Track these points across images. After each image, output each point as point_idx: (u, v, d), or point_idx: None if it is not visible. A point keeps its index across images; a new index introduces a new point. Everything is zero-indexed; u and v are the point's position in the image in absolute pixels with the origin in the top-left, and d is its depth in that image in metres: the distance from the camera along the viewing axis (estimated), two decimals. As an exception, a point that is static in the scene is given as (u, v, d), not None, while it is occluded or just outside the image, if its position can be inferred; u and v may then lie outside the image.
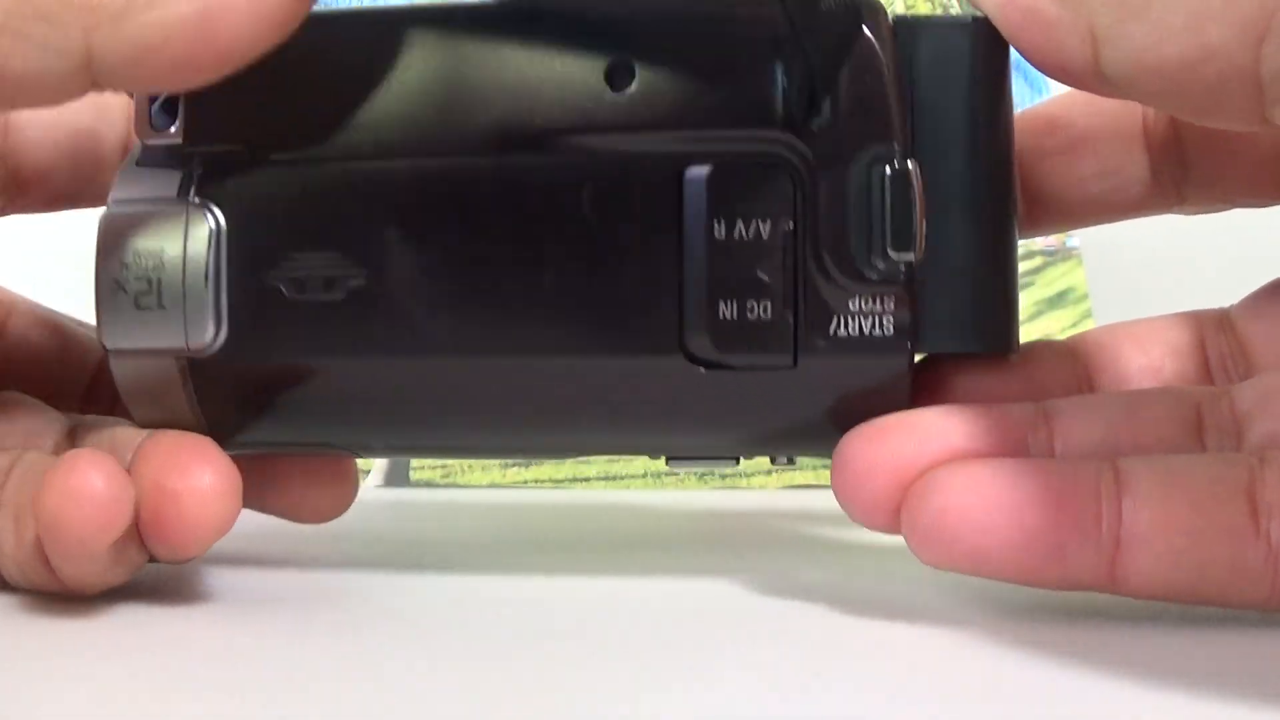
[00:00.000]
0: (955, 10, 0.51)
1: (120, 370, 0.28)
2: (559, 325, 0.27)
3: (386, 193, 0.28)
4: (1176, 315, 0.30)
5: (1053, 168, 0.30)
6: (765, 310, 0.27)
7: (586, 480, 0.46)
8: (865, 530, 0.27)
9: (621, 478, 0.46)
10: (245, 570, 0.31)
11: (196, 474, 0.27)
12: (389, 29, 0.28)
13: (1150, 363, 0.30)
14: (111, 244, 0.28)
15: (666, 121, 0.27)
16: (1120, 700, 0.22)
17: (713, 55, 0.27)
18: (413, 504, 0.44)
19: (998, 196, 0.28)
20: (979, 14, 0.27)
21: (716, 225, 0.27)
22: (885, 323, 0.27)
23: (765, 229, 0.27)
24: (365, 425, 0.29)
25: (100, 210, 0.28)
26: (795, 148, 0.27)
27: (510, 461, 0.46)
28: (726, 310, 0.27)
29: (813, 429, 0.28)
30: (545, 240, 0.27)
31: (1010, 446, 0.27)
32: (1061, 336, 0.31)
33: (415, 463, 0.47)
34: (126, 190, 0.28)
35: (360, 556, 0.34)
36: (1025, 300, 0.47)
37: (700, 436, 0.29)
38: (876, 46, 0.27)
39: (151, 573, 0.29)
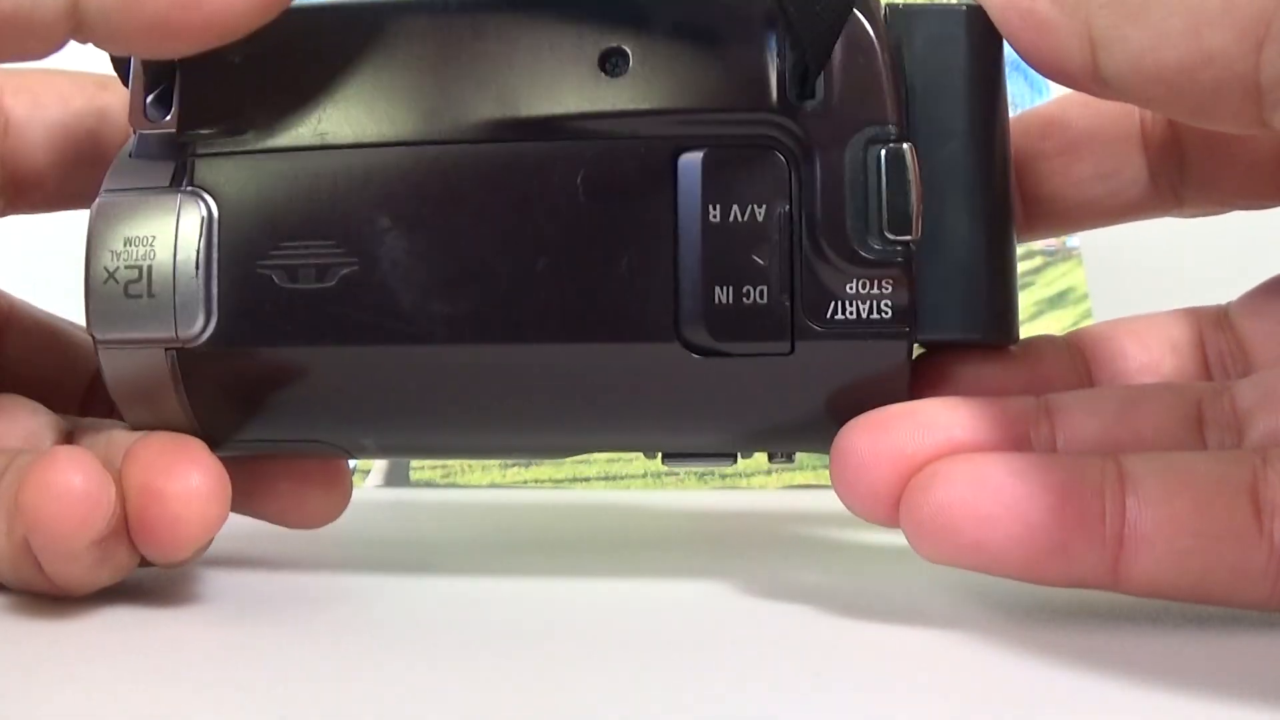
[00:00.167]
0: None
1: (109, 362, 0.28)
2: (553, 312, 0.27)
3: (379, 180, 0.27)
4: (1176, 311, 0.30)
5: (1051, 169, 0.30)
6: (761, 295, 0.27)
7: (586, 480, 0.46)
8: (865, 531, 0.27)
9: (621, 478, 0.46)
10: (244, 571, 0.31)
11: (184, 475, 0.27)
12: (381, 16, 0.28)
13: (1150, 359, 0.30)
14: (102, 232, 0.28)
15: (660, 106, 0.27)
16: (1120, 700, 0.22)
17: (707, 38, 0.27)
18: (413, 504, 0.44)
19: (994, 184, 0.28)
20: (973, 1, 0.27)
21: (711, 209, 0.27)
22: (883, 306, 0.27)
23: (760, 213, 0.27)
24: (357, 417, 0.29)
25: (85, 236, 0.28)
26: (790, 130, 0.27)
27: (510, 461, 0.46)
28: (722, 296, 0.27)
29: (811, 419, 0.28)
30: (539, 227, 0.27)
31: (1012, 440, 0.27)
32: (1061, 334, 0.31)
33: (415, 463, 0.47)
34: (119, 180, 0.28)
35: (360, 557, 0.34)
36: (1025, 300, 0.47)
37: (696, 427, 0.28)
38: (870, 28, 0.27)
39: (150, 574, 0.29)
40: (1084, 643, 0.25)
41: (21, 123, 0.31)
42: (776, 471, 0.45)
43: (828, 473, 0.27)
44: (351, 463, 0.32)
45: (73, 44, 0.28)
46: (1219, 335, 0.30)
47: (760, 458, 0.31)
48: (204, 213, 0.28)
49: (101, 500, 0.26)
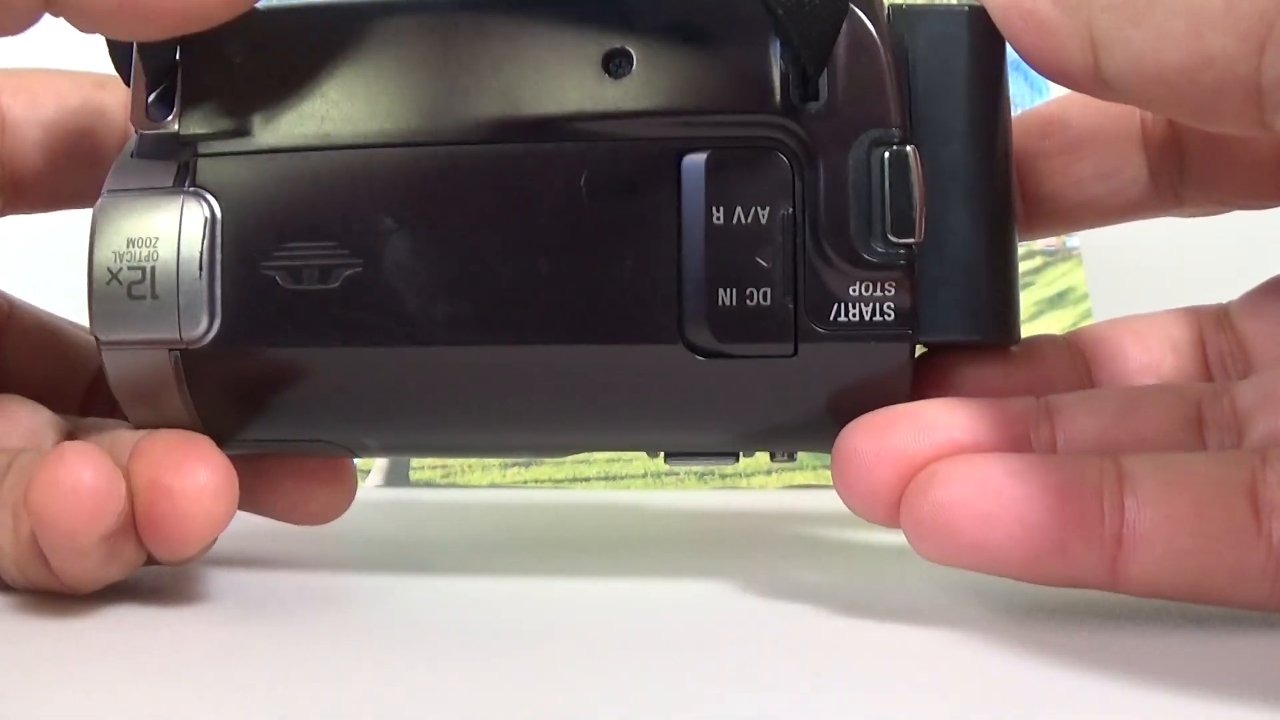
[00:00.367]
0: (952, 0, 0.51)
1: (112, 363, 0.28)
2: (557, 314, 0.27)
3: (384, 181, 0.27)
4: (1176, 311, 0.30)
5: (1051, 169, 0.30)
6: (765, 297, 0.27)
7: (586, 480, 0.46)
8: (866, 530, 0.27)
9: (621, 478, 0.46)
10: (244, 571, 0.31)
11: (192, 471, 0.27)
12: (384, 16, 0.28)
13: (1150, 359, 0.30)
14: (105, 233, 0.28)
15: (664, 107, 0.27)
16: (1120, 700, 0.22)
17: (710, 40, 0.27)
18: (413, 504, 0.44)
19: (996, 185, 0.28)
20: (975, 3, 0.27)
21: (715, 211, 0.27)
22: (886, 308, 0.27)
23: (764, 215, 0.27)
24: (361, 418, 0.29)
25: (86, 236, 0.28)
26: (794, 132, 0.27)
27: (510, 461, 0.46)
28: (726, 298, 0.27)
29: (813, 420, 0.28)
30: (543, 228, 0.27)
31: (1012, 441, 0.27)
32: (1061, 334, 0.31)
33: (415, 463, 0.47)
34: (121, 181, 0.28)
35: (360, 557, 0.34)
36: (1025, 300, 0.47)
37: (699, 427, 0.28)
38: (873, 30, 0.27)
39: (151, 573, 0.29)
40: (1084, 642, 0.25)
41: (19, 122, 0.31)
42: (776, 471, 0.45)
43: (828, 472, 0.27)
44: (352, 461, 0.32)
45: (71, 43, 0.28)
46: (1219, 335, 0.30)
47: (761, 457, 0.31)
48: (207, 213, 0.28)
49: (112, 496, 0.26)
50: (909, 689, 0.23)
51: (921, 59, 0.28)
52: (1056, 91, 0.29)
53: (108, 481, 0.26)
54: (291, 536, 0.32)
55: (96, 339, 0.28)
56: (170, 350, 0.28)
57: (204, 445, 0.27)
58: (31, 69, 0.32)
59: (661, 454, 0.30)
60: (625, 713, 0.22)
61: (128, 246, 0.28)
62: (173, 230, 0.28)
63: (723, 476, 0.45)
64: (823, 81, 0.27)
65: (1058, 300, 0.51)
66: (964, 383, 0.29)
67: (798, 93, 0.27)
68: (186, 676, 0.24)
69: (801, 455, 0.30)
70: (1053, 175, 0.30)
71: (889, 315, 0.27)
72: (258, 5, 0.27)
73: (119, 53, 0.29)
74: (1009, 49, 0.27)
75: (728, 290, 0.27)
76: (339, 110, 0.28)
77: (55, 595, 0.28)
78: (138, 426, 0.29)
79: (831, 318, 0.27)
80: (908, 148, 0.27)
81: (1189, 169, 0.30)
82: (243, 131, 0.28)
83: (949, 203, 0.28)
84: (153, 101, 0.28)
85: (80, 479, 0.25)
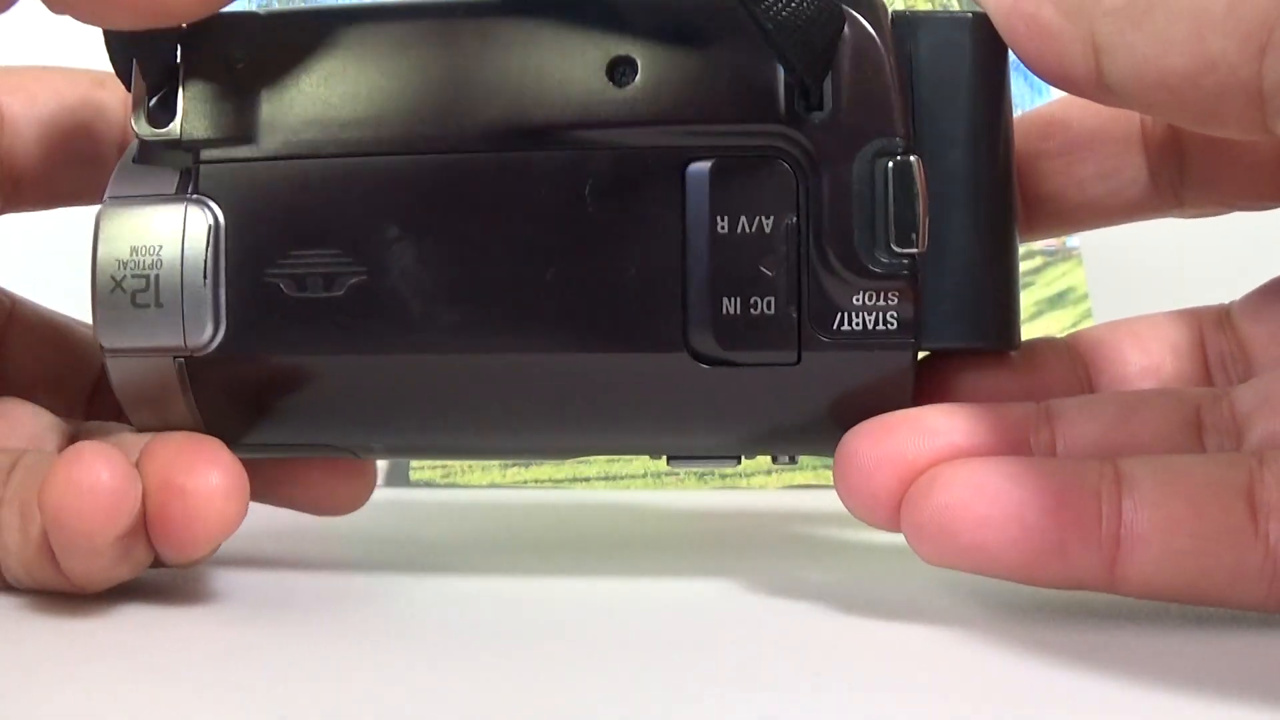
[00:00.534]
0: (954, 5, 0.51)
1: (117, 370, 0.28)
2: (562, 322, 0.27)
3: (388, 189, 0.27)
4: (1176, 312, 0.30)
5: (1051, 170, 0.30)
6: (769, 306, 0.27)
7: (586, 480, 0.46)
8: (866, 530, 0.27)
9: (621, 478, 0.46)
10: (244, 571, 0.31)
11: (204, 472, 0.27)
12: (390, 24, 0.28)
13: (1150, 362, 0.30)
14: (108, 241, 0.28)
15: (669, 116, 0.27)
16: (1120, 700, 0.22)
17: (715, 49, 0.27)
18: (413, 504, 0.44)
19: (998, 192, 0.28)
20: (978, 10, 0.27)
21: (719, 220, 0.27)
22: (889, 317, 0.27)
23: (768, 224, 0.27)
24: (366, 425, 0.29)
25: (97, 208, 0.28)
26: (798, 142, 0.27)
27: (510, 461, 0.46)
28: (730, 306, 0.27)
29: (816, 426, 0.28)
30: (547, 236, 0.27)
31: (1012, 445, 0.27)
32: (1062, 336, 0.31)
33: (415, 463, 0.47)
34: (123, 187, 0.28)
35: (360, 556, 0.34)
36: (1025, 300, 0.47)
37: (703, 433, 0.29)
38: (877, 40, 0.27)
39: (152, 573, 0.29)
40: (1084, 642, 0.25)
41: (17, 121, 0.31)
42: (777, 472, 0.45)
43: (828, 472, 0.27)
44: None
45: (71, 41, 0.28)
46: (1220, 337, 0.30)
47: (762, 458, 0.31)
48: (210, 221, 0.28)
49: (129, 496, 0.26)
50: (909, 689, 0.23)
51: (923, 65, 0.28)
52: (1057, 92, 0.29)
53: (125, 481, 0.26)
54: (291, 536, 0.32)
55: (100, 347, 0.28)
56: (175, 358, 0.28)
57: (215, 447, 0.27)
58: (30, 67, 0.32)
59: (664, 456, 0.30)
60: (625, 713, 0.22)
61: (131, 254, 0.28)
62: (176, 238, 0.27)
63: (723, 477, 0.45)
64: (827, 90, 0.27)
65: (1058, 300, 0.51)
66: (964, 388, 0.29)
67: (802, 102, 0.27)
68: (187, 676, 0.24)
69: (802, 456, 0.30)
70: (1053, 176, 0.31)
71: (892, 324, 0.27)
72: (259, 11, 0.27)
73: (119, 56, 0.28)
74: (1011, 56, 0.27)
75: (732, 299, 0.27)
76: (343, 118, 0.28)
77: (56, 595, 0.27)
78: (141, 430, 0.29)
79: (835, 326, 0.27)
80: (912, 157, 0.27)
81: (1189, 170, 0.30)
82: (246, 138, 0.28)
83: (951, 209, 0.28)
84: (153, 106, 0.28)
85: (98, 479, 0.25)
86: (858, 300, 0.27)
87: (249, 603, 0.29)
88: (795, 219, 0.27)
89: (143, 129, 0.28)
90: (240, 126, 0.28)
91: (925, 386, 0.28)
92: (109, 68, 0.29)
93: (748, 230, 0.27)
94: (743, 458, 0.30)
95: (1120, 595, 0.25)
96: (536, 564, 0.33)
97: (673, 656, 0.25)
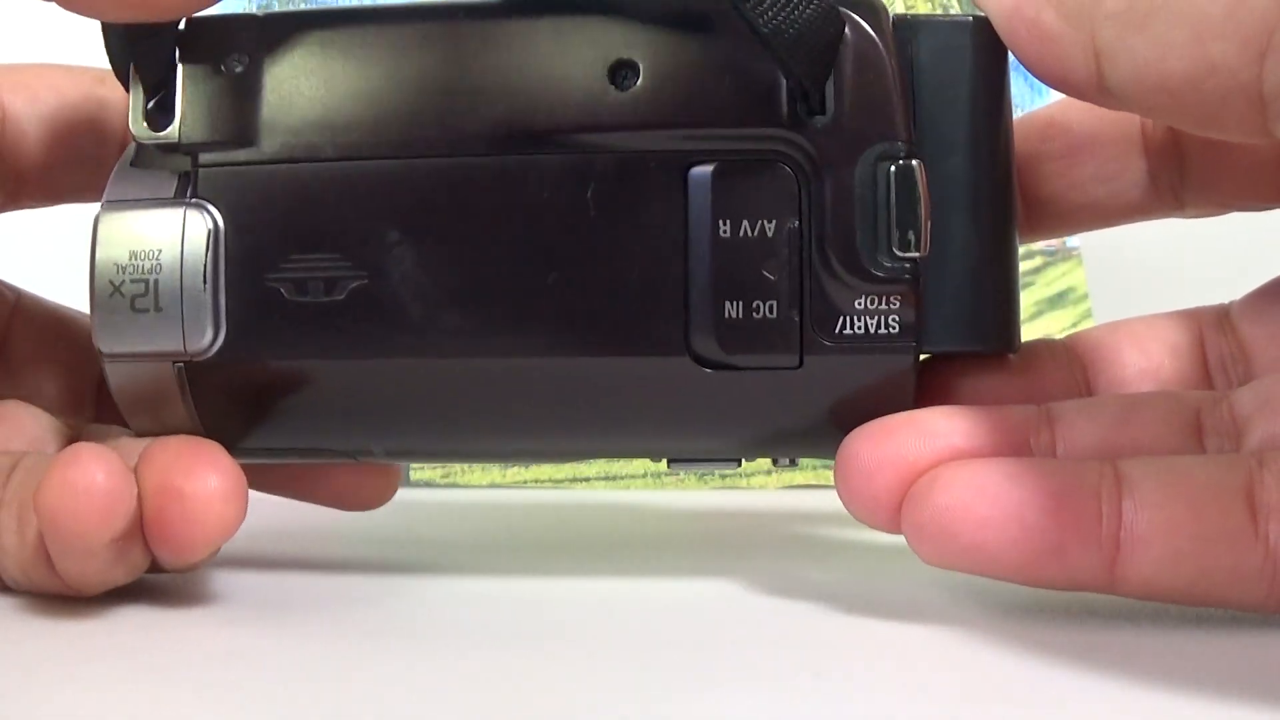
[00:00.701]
0: (955, 9, 0.51)
1: (116, 375, 0.28)
2: (564, 326, 0.27)
3: (389, 192, 0.27)
4: (1176, 314, 0.30)
5: (1052, 172, 0.30)
6: (771, 310, 0.27)
7: (586, 480, 0.46)
8: (865, 530, 0.27)
9: (621, 478, 0.46)
10: (244, 571, 0.31)
11: (203, 476, 0.27)
12: (390, 27, 0.28)
13: (1149, 364, 0.30)
14: (106, 246, 0.28)
15: (671, 119, 0.27)
16: (1120, 700, 0.22)
17: (717, 53, 0.27)
18: (413, 504, 0.44)
19: (998, 195, 0.28)
20: (979, 13, 0.27)
21: (721, 224, 0.27)
22: (891, 321, 0.27)
23: (770, 228, 0.27)
24: (368, 429, 0.29)
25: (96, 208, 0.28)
26: (800, 146, 0.27)
27: (511, 463, 0.46)
28: (732, 310, 0.27)
29: (817, 429, 0.28)
30: (549, 240, 0.27)
31: (1013, 447, 0.27)
32: (1061, 337, 0.31)
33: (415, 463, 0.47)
34: (121, 191, 0.28)
35: (360, 556, 0.34)
36: (1025, 300, 0.47)
37: (704, 437, 0.29)
38: (878, 44, 0.27)
39: (150, 574, 0.29)
40: (1084, 641, 0.25)
41: (19, 118, 0.31)
42: (776, 471, 0.45)
43: (827, 472, 0.27)
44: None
45: (72, 39, 0.28)
46: (1220, 337, 0.30)
47: (762, 458, 0.31)
48: (210, 225, 0.27)
49: (124, 497, 0.26)
50: (909, 688, 0.23)
51: (924, 69, 0.28)
52: (1057, 94, 0.29)
53: (120, 483, 0.26)
54: (291, 536, 0.32)
55: (99, 352, 0.28)
56: (175, 363, 0.28)
57: (214, 450, 0.27)
58: (31, 64, 0.32)
59: (664, 459, 0.30)
60: (625, 713, 0.22)
61: (130, 259, 0.27)
62: (175, 242, 0.27)
63: (722, 477, 0.45)
64: (829, 94, 0.27)
65: (1058, 300, 0.51)
66: (964, 391, 0.29)
67: (804, 106, 0.27)
68: (186, 677, 0.24)
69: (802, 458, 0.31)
70: (1053, 178, 0.31)
71: (894, 328, 0.27)
72: (257, 13, 0.27)
73: (118, 58, 0.28)
74: (1011, 60, 0.27)
75: (734, 302, 0.27)
76: (342, 122, 0.27)
77: (55, 596, 0.27)
78: (139, 435, 0.29)
79: (837, 330, 0.27)
80: (914, 162, 0.27)
81: (1189, 172, 0.30)
82: (245, 141, 0.28)
83: (951, 213, 0.28)
84: (151, 109, 0.28)
85: (93, 480, 0.25)
86: (859, 304, 0.27)
87: (248, 603, 0.29)
88: (797, 223, 0.27)
89: (141, 132, 0.28)
90: (239, 130, 0.28)
91: (925, 389, 0.28)
92: (107, 63, 0.29)
93: (750, 234, 0.27)
94: (743, 460, 0.30)
95: (1120, 596, 0.25)
96: (536, 564, 0.33)
97: (673, 656, 0.25)
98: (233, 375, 0.28)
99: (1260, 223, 0.33)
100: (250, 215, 0.28)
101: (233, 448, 0.28)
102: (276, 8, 0.29)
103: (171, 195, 0.28)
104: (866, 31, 0.27)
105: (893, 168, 0.27)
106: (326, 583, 0.31)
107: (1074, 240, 0.52)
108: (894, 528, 0.26)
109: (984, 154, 0.28)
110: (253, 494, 0.28)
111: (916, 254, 0.27)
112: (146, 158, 0.28)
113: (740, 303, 0.27)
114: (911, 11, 0.29)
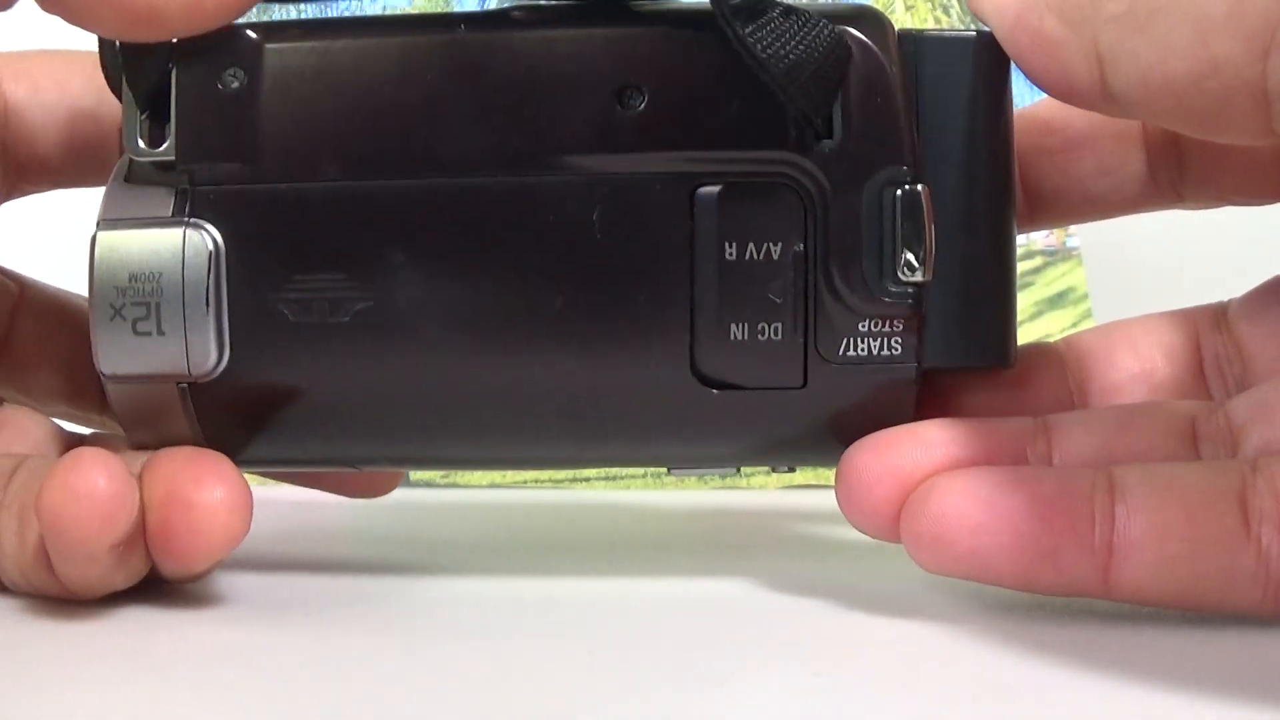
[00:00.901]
0: (955, 8, 0.51)
1: (118, 396, 0.28)
2: (569, 347, 0.27)
3: (394, 213, 0.27)
4: (1172, 314, 0.30)
5: (1052, 166, 0.30)
6: (776, 332, 0.27)
7: (586, 480, 0.46)
8: (865, 532, 0.27)
9: (621, 478, 0.46)
10: (243, 571, 0.31)
11: (210, 486, 0.26)
12: (393, 44, 0.27)
13: (1143, 368, 0.30)
14: (105, 268, 0.27)
15: (677, 142, 0.27)
16: (1120, 700, 0.22)
17: (723, 76, 0.27)
18: (413, 504, 0.44)
19: (998, 213, 0.28)
20: (981, 28, 0.27)
21: (728, 246, 0.27)
22: (894, 343, 0.27)
23: (776, 250, 0.27)
24: (371, 444, 0.29)
25: (96, 211, 0.28)
26: (807, 170, 0.27)
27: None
28: (738, 332, 0.27)
29: (818, 442, 0.28)
30: (555, 261, 0.27)
31: (1011, 458, 0.27)
32: (1057, 340, 0.31)
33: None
34: (117, 209, 0.27)
35: (360, 557, 0.34)
36: (1025, 300, 0.47)
37: (707, 449, 0.29)
38: (886, 67, 0.27)
39: (153, 574, 0.29)
40: (1083, 641, 0.25)
41: (22, 106, 0.31)
42: (776, 472, 0.45)
43: (827, 473, 0.27)
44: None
45: (72, 31, 0.28)
46: (1216, 337, 0.30)
47: (762, 462, 0.31)
48: (210, 246, 0.27)
49: (126, 503, 0.26)
50: (909, 687, 0.23)
51: (927, 86, 0.28)
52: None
53: (122, 488, 0.26)
54: (291, 537, 0.32)
55: (102, 374, 0.27)
56: (178, 384, 0.27)
57: (220, 462, 0.27)
58: (32, 52, 0.32)
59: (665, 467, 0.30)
60: (626, 712, 0.22)
61: (130, 281, 0.27)
62: (176, 264, 0.27)
63: (722, 477, 0.45)
64: (836, 117, 0.27)
65: (1058, 300, 0.51)
66: (961, 403, 0.29)
67: (810, 130, 0.27)
68: (186, 677, 0.24)
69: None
70: (1054, 172, 0.31)
71: (896, 349, 0.27)
72: (251, 33, 0.27)
73: (112, 74, 0.28)
74: (1013, 74, 0.27)
75: (739, 324, 0.27)
76: (344, 139, 0.27)
77: (57, 599, 0.27)
78: (137, 448, 0.28)
79: (840, 351, 0.27)
80: (919, 187, 0.27)
81: (1188, 166, 0.30)
82: (242, 159, 0.27)
83: (951, 231, 0.28)
84: (146, 123, 0.27)
85: (95, 485, 0.25)
86: (863, 327, 0.27)
87: (248, 603, 0.29)
88: (803, 246, 0.27)
89: (135, 149, 0.27)
90: (237, 147, 0.27)
91: (923, 401, 0.29)
92: None
93: (756, 256, 0.27)
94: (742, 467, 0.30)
95: (1115, 601, 0.25)
96: (536, 564, 0.33)
97: (673, 656, 0.25)
98: (237, 395, 0.28)
99: (1260, 222, 0.33)
100: (251, 235, 0.27)
101: (234, 459, 0.28)
102: (276, 16, 0.29)
103: (169, 214, 0.27)
104: (874, 53, 0.27)
105: (899, 193, 0.27)
106: (326, 583, 0.31)
107: (1074, 240, 0.52)
108: (894, 538, 0.27)
109: (985, 172, 0.28)
110: (253, 495, 0.28)
111: (921, 279, 0.27)
112: (141, 173, 0.28)
113: (746, 324, 0.27)
114: (913, 11, 0.29)
